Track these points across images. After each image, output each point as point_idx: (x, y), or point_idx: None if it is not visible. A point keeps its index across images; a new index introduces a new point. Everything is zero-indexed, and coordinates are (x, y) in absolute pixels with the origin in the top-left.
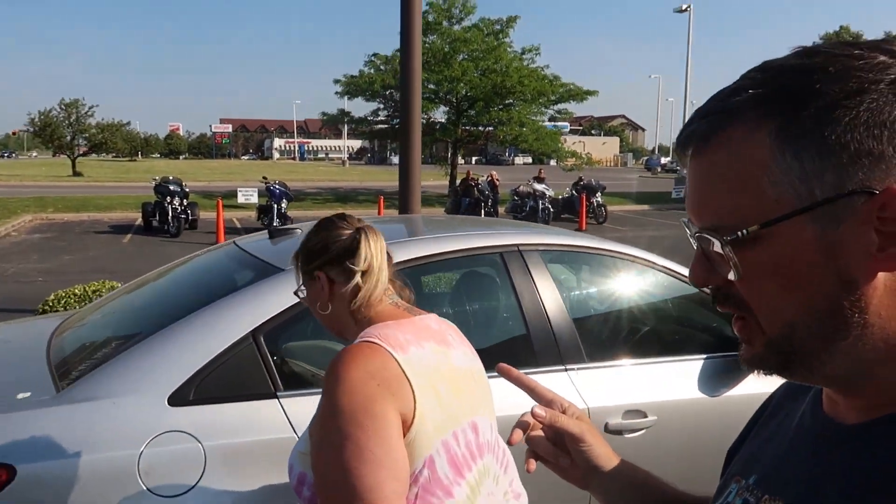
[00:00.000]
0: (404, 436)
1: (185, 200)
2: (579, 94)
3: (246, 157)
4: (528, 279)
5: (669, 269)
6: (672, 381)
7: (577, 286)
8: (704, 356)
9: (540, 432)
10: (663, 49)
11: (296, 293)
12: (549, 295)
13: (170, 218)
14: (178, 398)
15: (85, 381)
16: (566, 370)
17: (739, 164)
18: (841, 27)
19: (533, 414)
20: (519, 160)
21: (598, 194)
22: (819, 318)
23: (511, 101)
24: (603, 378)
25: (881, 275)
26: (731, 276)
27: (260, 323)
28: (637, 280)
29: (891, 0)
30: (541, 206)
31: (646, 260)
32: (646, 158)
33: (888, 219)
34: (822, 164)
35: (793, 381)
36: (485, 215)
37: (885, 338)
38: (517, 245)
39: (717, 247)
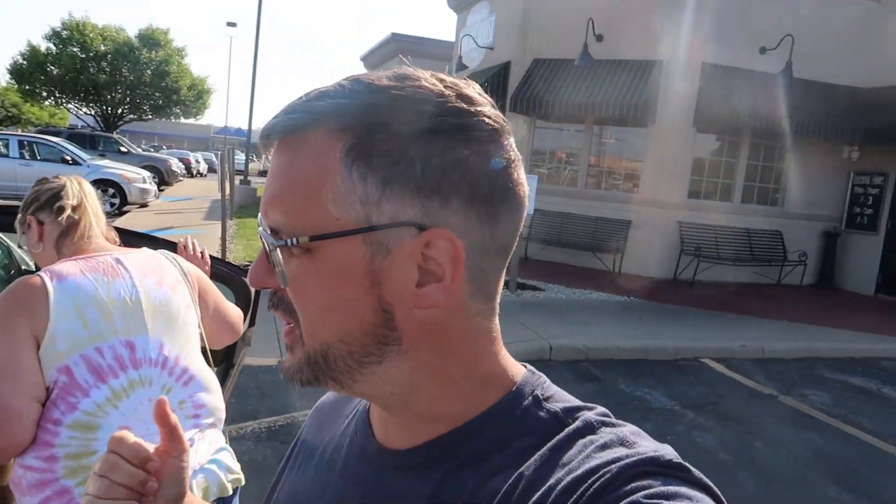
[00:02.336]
0: (38, 348)
1: None
2: None
3: None
4: None
5: None
6: None
7: None
8: None
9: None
10: None
11: (19, 246)
12: None
13: None
14: None
15: None
16: None
17: (311, 172)
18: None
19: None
20: None
21: None
22: (355, 341)
23: None
24: None
25: (418, 311)
26: (281, 282)
27: None
28: None
29: None
30: None
31: None
32: None
33: (430, 258)
34: (383, 192)
35: (326, 405)
36: None
37: (419, 370)
38: None
39: (272, 249)
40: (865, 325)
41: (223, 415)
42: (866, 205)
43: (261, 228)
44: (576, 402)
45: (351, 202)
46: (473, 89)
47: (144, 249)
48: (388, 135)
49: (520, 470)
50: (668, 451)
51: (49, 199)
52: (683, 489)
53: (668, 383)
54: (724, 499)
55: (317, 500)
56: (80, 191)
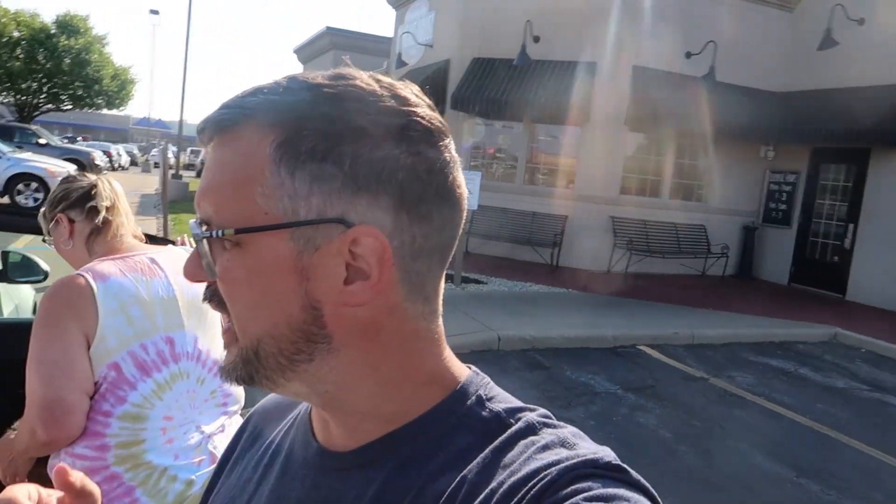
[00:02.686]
0: (89, 347)
1: None
2: None
3: None
4: None
5: None
6: None
7: None
8: None
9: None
10: None
11: (44, 241)
12: None
13: None
14: None
15: None
16: None
17: (241, 165)
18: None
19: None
20: None
21: None
22: (283, 338)
23: None
24: None
25: (347, 309)
26: (209, 274)
27: None
28: None
29: None
30: None
31: None
32: None
33: (358, 255)
34: (311, 188)
35: (268, 409)
36: None
37: (352, 369)
38: None
39: (205, 243)
40: (782, 313)
41: (243, 402)
42: (781, 201)
43: (192, 221)
44: (518, 403)
45: (279, 197)
46: (410, 90)
47: (170, 247)
48: (316, 132)
49: (462, 472)
50: (607, 453)
51: (80, 199)
52: (621, 491)
53: (609, 369)
54: (659, 499)
55: (247, 499)
56: (111, 191)
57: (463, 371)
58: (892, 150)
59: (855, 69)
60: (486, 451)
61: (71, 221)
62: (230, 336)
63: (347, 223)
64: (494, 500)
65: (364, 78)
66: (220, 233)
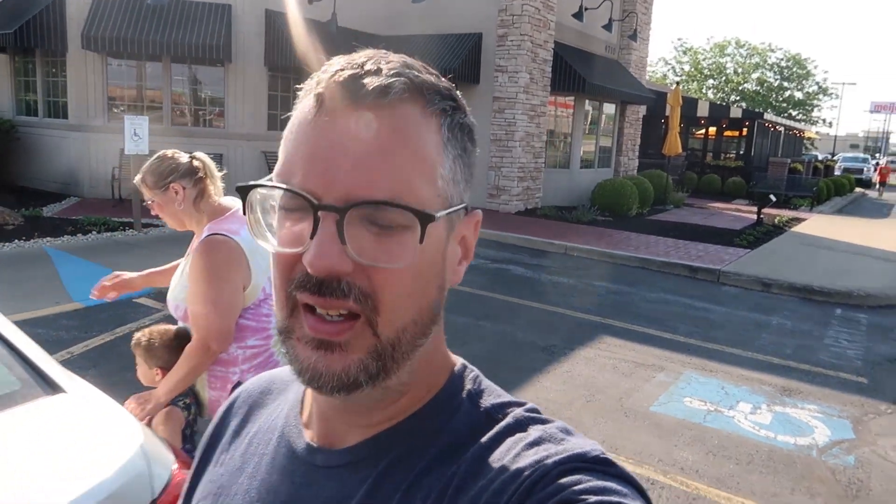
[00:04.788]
0: (246, 288)
1: None
2: None
3: None
4: None
5: None
6: None
7: None
8: None
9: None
10: None
11: (146, 204)
12: None
13: None
14: None
15: None
16: None
17: (425, 142)
18: None
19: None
20: None
21: None
22: (422, 322)
23: None
24: None
25: (450, 287)
26: (395, 264)
27: None
28: None
29: None
30: None
31: None
32: None
33: (465, 237)
34: (463, 173)
35: (252, 394)
36: None
37: (427, 350)
38: None
39: (389, 230)
40: None
41: None
42: None
43: (355, 201)
44: (507, 397)
45: (447, 179)
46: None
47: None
48: (463, 119)
49: (452, 469)
50: (594, 448)
51: (187, 171)
52: (610, 483)
53: None
54: (645, 489)
55: (241, 498)
56: (203, 162)
57: (455, 360)
58: (470, 87)
59: (442, 19)
60: (475, 447)
61: (183, 188)
62: (352, 333)
63: (467, 207)
64: (485, 497)
65: (435, 74)
66: (438, 216)
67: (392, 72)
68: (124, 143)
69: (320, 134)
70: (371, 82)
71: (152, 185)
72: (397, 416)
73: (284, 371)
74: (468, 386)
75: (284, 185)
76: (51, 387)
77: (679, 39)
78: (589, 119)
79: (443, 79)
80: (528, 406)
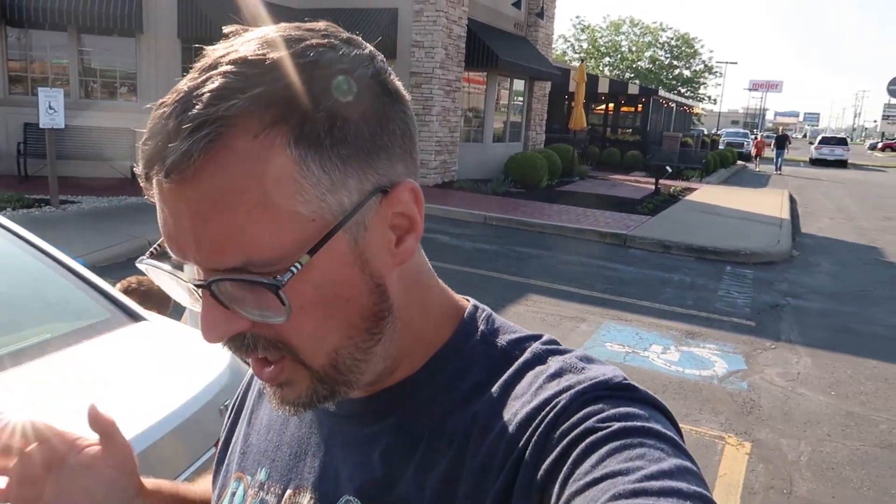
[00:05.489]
0: None
1: None
2: None
3: None
4: None
5: None
6: None
7: None
8: None
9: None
10: None
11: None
12: None
13: None
14: None
15: None
16: None
17: (259, 184)
18: None
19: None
20: None
21: None
22: (358, 334)
23: None
24: None
25: (401, 267)
26: (277, 319)
27: None
28: None
29: None
30: None
31: None
32: None
33: (398, 213)
34: (345, 171)
35: None
36: None
37: (402, 327)
38: None
39: (257, 288)
40: None
41: None
42: None
43: (209, 278)
44: (522, 332)
45: (320, 196)
46: (345, 32)
47: None
48: (324, 111)
49: (474, 409)
50: (616, 374)
51: None
52: (634, 409)
53: None
54: (670, 410)
55: (272, 453)
56: None
57: (464, 304)
58: (388, 63)
59: None
60: (496, 386)
61: None
62: (288, 372)
63: (384, 189)
64: (509, 432)
65: (310, 33)
66: (298, 266)
67: (199, 118)
68: (38, 116)
69: (162, 212)
70: (172, 150)
71: None
72: (412, 364)
73: None
74: (481, 327)
75: (162, 267)
76: (133, 317)
77: (577, 17)
78: (499, 95)
79: (310, 41)
80: (545, 338)
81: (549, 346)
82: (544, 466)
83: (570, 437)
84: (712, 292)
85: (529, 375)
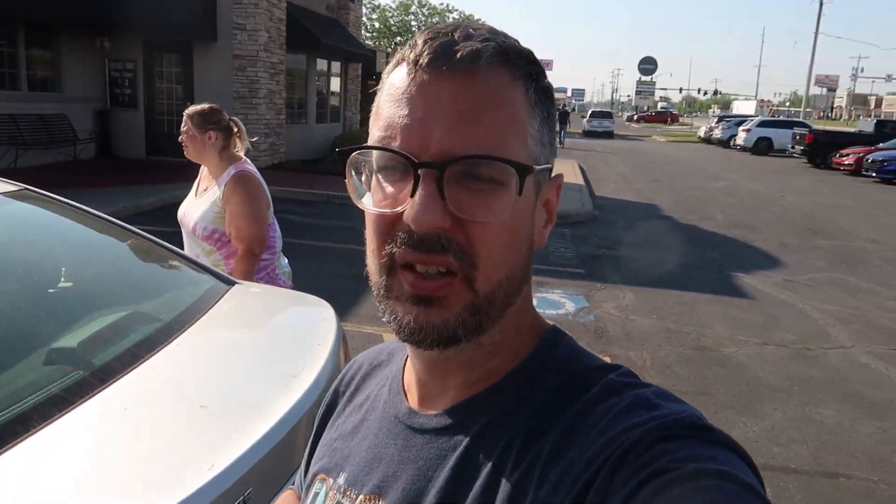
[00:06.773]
0: (268, 209)
1: None
2: None
3: None
4: None
5: None
6: None
7: None
8: None
9: None
10: None
11: (181, 131)
12: None
13: None
14: None
15: None
16: None
17: (515, 105)
18: None
19: None
20: None
21: None
22: (516, 280)
23: None
24: None
25: (536, 249)
26: (493, 217)
27: None
28: None
29: None
30: None
31: None
32: None
33: (548, 200)
34: (550, 135)
35: (365, 363)
36: None
37: (516, 312)
38: None
39: (487, 186)
40: (152, 181)
41: None
42: (125, 86)
43: (454, 156)
44: (600, 361)
45: (536, 141)
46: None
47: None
48: (542, 85)
49: (546, 435)
50: (691, 413)
51: (226, 126)
52: (708, 451)
53: None
54: (748, 454)
55: (353, 460)
56: (238, 126)
57: (546, 324)
58: (208, 45)
59: None
60: (567, 414)
61: (216, 137)
62: (450, 288)
63: (551, 170)
64: (577, 467)
65: (515, 40)
66: (536, 168)
67: (482, 38)
68: None
69: (416, 100)
70: (463, 48)
71: (196, 123)
72: (489, 377)
73: (392, 343)
74: (559, 351)
75: (384, 147)
76: (226, 282)
77: None
78: (319, 76)
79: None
80: (621, 370)
81: (624, 379)
82: None
83: (639, 476)
84: (545, 249)
85: (601, 407)
